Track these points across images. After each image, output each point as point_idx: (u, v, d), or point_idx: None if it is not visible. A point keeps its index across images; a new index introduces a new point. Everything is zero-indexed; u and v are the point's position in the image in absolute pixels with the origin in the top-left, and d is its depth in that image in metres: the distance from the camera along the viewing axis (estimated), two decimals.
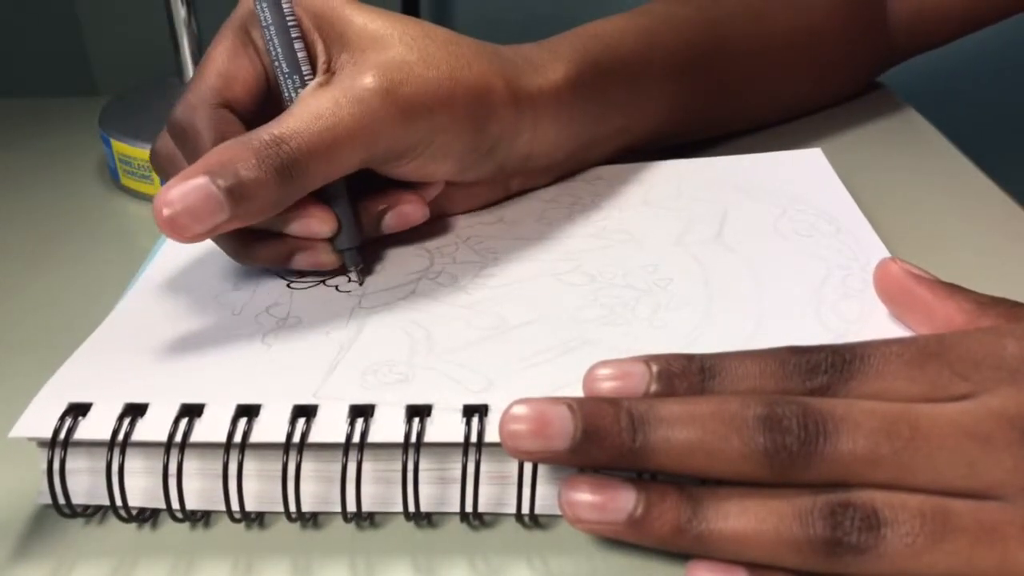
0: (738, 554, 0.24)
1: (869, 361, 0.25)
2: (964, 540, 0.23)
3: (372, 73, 0.33)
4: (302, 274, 0.36)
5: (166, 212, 0.29)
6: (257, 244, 0.35)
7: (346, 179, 0.35)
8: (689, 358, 0.26)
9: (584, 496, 0.25)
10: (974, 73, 0.61)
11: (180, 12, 0.54)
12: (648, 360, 0.26)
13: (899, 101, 0.56)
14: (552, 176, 0.43)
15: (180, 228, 0.30)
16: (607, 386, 0.26)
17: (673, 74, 0.45)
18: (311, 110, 0.32)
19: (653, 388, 0.26)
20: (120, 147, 0.50)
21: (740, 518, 0.24)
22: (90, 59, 0.77)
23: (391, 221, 0.37)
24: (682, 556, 0.26)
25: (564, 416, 0.24)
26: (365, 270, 0.36)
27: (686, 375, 0.26)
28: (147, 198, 0.51)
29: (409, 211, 0.37)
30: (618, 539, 0.25)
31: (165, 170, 0.37)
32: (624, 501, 0.24)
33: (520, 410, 0.25)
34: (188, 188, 0.30)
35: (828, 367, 0.25)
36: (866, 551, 0.23)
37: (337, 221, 0.35)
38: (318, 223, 0.34)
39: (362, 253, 0.36)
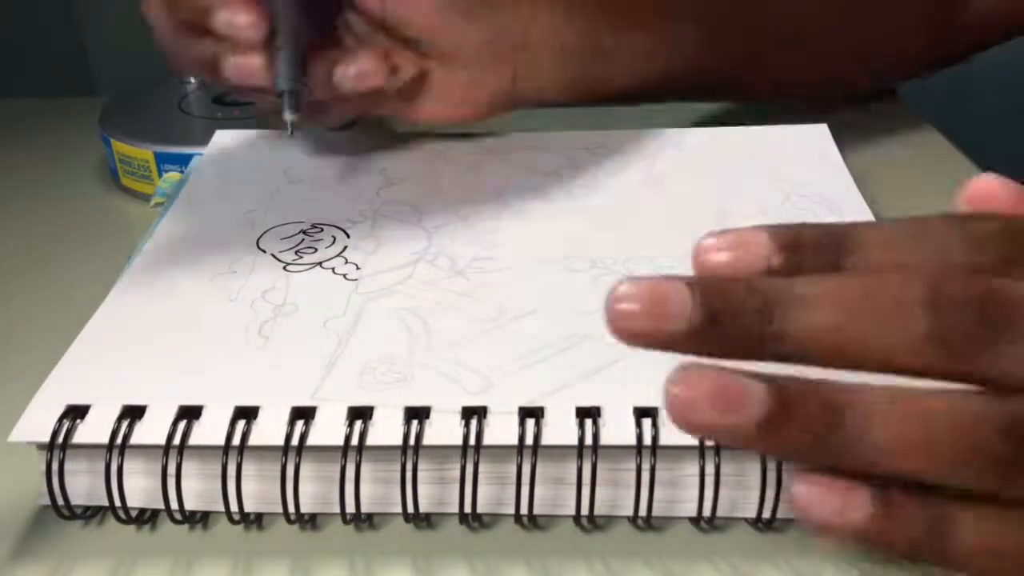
0: (903, 458, 0.20)
1: None
2: None
3: None
4: (298, 255, 0.36)
5: None
6: (188, 38, 0.34)
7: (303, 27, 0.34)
8: (823, 228, 0.22)
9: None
10: (974, 72, 0.61)
11: None
12: (772, 230, 0.22)
13: (902, 103, 0.56)
14: (566, 81, 0.41)
15: None
16: (721, 258, 0.22)
17: (707, 9, 0.43)
18: None
19: (775, 261, 0.22)
20: (120, 147, 0.50)
21: (905, 423, 0.20)
22: (90, 59, 0.77)
23: (346, 76, 0.35)
24: (683, 556, 0.26)
25: (682, 292, 0.20)
26: (299, 123, 0.35)
27: (818, 248, 0.22)
28: (147, 198, 0.51)
29: (368, 69, 0.35)
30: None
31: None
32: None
33: (630, 288, 0.20)
34: None
35: (1003, 242, 0.21)
36: None
37: (268, 23, 0.33)
38: (244, 16, 0.33)
39: (301, 101, 0.34)
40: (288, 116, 0.34)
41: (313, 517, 0.28)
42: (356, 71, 0.35)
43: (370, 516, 0.28)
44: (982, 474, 0.20)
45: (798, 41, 0.46)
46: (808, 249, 0.22)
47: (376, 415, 0.27)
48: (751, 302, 0.20)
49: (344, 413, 0.27)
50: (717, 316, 0.20)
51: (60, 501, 0.27)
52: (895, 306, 0.20)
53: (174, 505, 0.27)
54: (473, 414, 0.27)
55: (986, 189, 0.25)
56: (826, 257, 0.22)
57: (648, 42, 0.41)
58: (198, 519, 0.28)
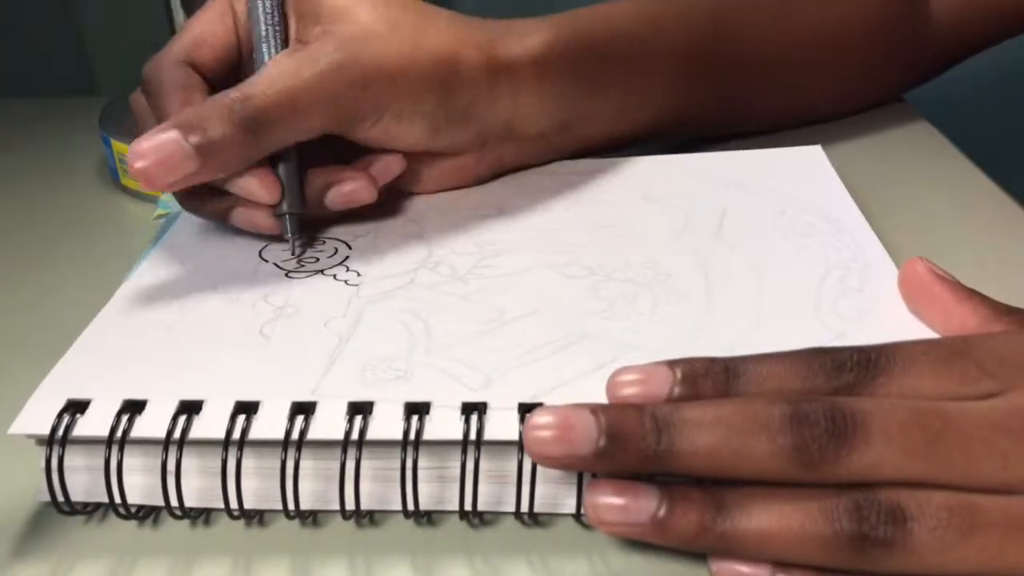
0: (762, 552, 0.24)
1: (895, 359, 0.25)
2: (994, 533, 0.23)
3: (335, 44, 0.35)
4: (300, 263, 0.36)
5: (139, 164, 0.32)
6: (202, 197, 0.37)
7: (304, 148, 0.37)
8: (713, 360, 0.26)
9: (607, 498, 0.24)
10: (973, 72, 0.61)
11: (179, 15, 0.54)
12: (672, 363, 0.26)
13: (899, 100, 0.56)
14: (546, 149, 0.43)
15: (151, 178, 0.32)
16: (631, 391, 0.26)
17: (678, 62, 0.44)
18: (274, 72, 0.35)
19: (677, 391, 0.25)
20: (120, 147, 0.50)
21: (764, 515, 0.24)
22: (90, 59, 0.77)
23: (334, 198, 0.38)
24: (681, 554, 0.26)
25: (588, 421, 0.24)
26: (303, 241, 0.38)
27: (710, 375, 0.26)
28: (147, 198, 0.51)
29: (353, 189, 0.37)
30: (642, 540, 0.25)
31: (139, 118, 0.39)
32: (647, 502, 0.24)
33: (544, 417, 0.24)
34: (160, 141, 0.32)
35: (854, 365, 0.25)
36: (893, 545, 0.23)
37: (281, 187, 0.36)
38: (258, 186, 0.36)
39: (302, 223, 0.37)
40: (291, 237, 0.37)
41: (314, 514, 0.28)
42: (345, 192, 0.38)
43: (371, 513, 0.28)
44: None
45: (772, 82, 0.48)
46: (702, 377, 0.25)
47: (376, 410, 0.27)
48: (647, 424, 0.24)
49: (344, 408, 0.27)
50: (618, 439, 0.24)
51: (60, 497, 0.27)
52: (762, 425, 0.24)
53: (174, 501, 0.27)
54: (473, 410, 0.27)
55: (916, 273, 0.30)
56: (717, 381, 0.25)
57: (622, 101, 0.44)
58: (198, 515, 0.28)
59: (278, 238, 0.38)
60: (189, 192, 0.37)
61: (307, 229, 0.39)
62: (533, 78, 0.40)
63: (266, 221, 0.37)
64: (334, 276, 0.35)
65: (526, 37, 0.40)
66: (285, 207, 0.36)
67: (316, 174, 0.37)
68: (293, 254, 0.37)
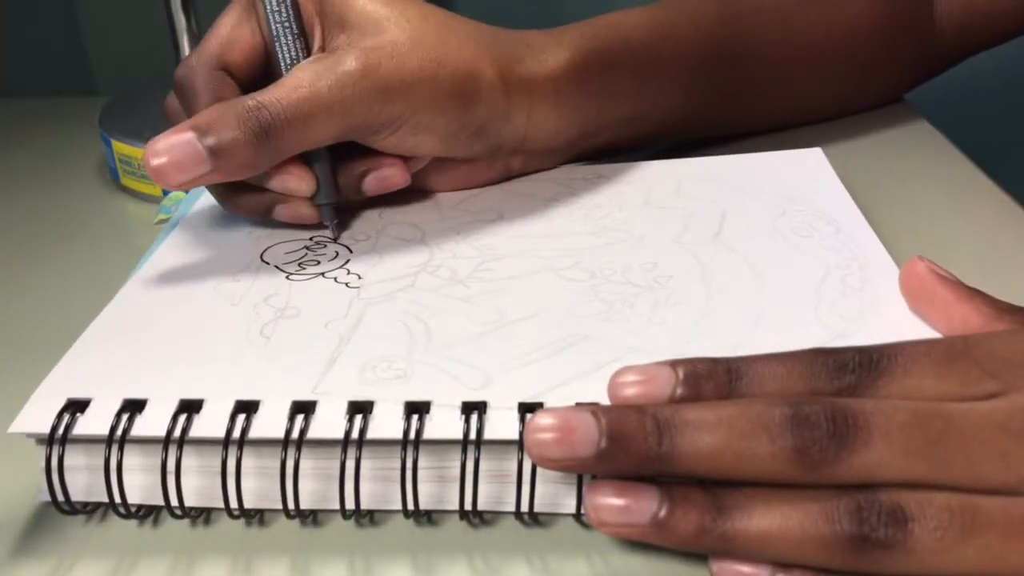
0: (763, 553, 0.24)
1: (897, 360, 0.25)
2: (995, 534, 0.23)
3: (356, 53, 0.36)
4: (301, 266, 0.36)
5: (154, 161, 0.33)
6: (243, 194, 0.38)
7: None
8: (715, 360, 0.26)
9: (608, 499, 0.24)
10: (973, 72, 0.61)
11: (179, 13, 0.54)
12: (673, 363, 0.26)
13: (899, 100, 0.56)
14: (555, 160, 0.44)
15: (165, 176, 0.33)
16: (632, 392, 0.26)
17: (688, 68, 0.44)
18: (292, 82, 0.35)
19: (679, 392, 0.25)
20: (120, 147, 0.50)
21: (765, 516, 0.24)
22: (90, 59, 0.77)
23: (371, 183, 0.39)
24: (681, 554, 0.26)
25: (588, 423, 0.24)
26: (341, 225, 0.39)
27: (712, 376, 0.25)
28: (147, 198, 0.51)
29: (389, 175, 0.39)
30: (642, 541, 0.25)
31: (173, 121, 0.40)
32: (648, 502, 0.24)
33: (544, 419, 0.24)
34: (175, 141, 0.33)
35: (855, 366, 0.25)
36: (894, 546, 0.23)
37: (315, 180, 0.38)
38: (295, 180, 0.37)
39: (339, 211, 0.39)
40: (330, 224, 0.39)
41: (314, 513, 0.28)
42: (383, 177, 0.39)
43: (371, 513, 0.28)
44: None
45: (779, 83, 0.49)
46: (704, 378, 0.25)
47: (376, 410, 0.27)
48: (648, 426, 0.24)
49: (344, 408, 0.27)
50: (619, 441, 0.24)
51: (60, 496, 0.27)
52: (763, 427, 0.24)
53: (174, 501, 0.27)
54: (473, 409, 0.27)
55: (917, 273, 0.30)
56: (719, 383, 0.25)
57: (632, 110, 0.44)
58: (198, 515, 0.28)
59: (318, 226, 0.39)
60: (229, 192, 0.38)
61: (342, 214, 0.40)
62: (550, 98, 0.40)
63: (309, 211, 0.38)
64: (335, 279, 0.35)
65: (546, 55, 0.40)
66: (323, 198, 0.38)
67: (354, 162, 0.39)
68: (335, 240, 0.38)
